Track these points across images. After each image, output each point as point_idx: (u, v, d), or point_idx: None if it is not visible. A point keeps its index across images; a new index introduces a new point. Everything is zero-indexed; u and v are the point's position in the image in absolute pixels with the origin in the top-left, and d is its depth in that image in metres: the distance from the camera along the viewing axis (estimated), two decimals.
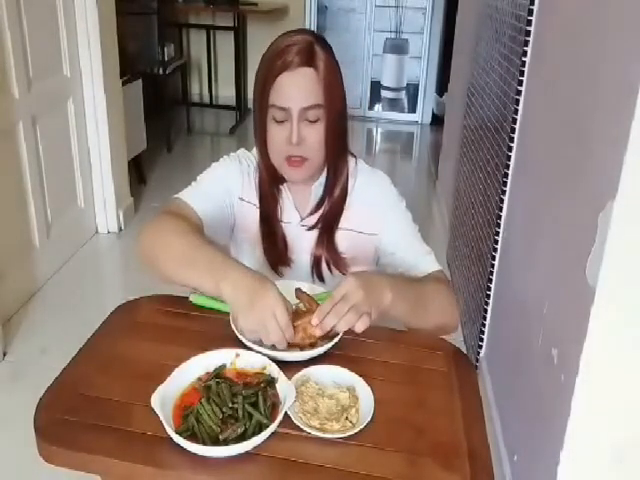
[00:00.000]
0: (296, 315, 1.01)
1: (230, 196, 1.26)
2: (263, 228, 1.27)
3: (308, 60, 1.10)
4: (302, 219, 1.27)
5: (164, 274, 1.07)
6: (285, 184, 1.26)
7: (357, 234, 1.27)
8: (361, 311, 0.97)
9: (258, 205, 1.27)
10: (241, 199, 1.28)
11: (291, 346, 0.99)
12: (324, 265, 1.26)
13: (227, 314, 1.03)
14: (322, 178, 1.25)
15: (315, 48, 1.12)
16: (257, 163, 1.28)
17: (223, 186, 1.25)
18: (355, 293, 0.97)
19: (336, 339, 0.99)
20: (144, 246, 1.11)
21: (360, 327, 0.97)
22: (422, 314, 1.10)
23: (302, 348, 0.99)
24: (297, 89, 1.11)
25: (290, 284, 1.12)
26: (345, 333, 1.00)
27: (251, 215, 1.27)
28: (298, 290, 1.06)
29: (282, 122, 1.13)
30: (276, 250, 1.27)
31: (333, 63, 1.14)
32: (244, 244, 1.31)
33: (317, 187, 1.25)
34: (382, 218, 1.26)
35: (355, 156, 1.29)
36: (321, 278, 1.27)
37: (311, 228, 1.27)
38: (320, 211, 1.26)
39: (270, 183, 1.25)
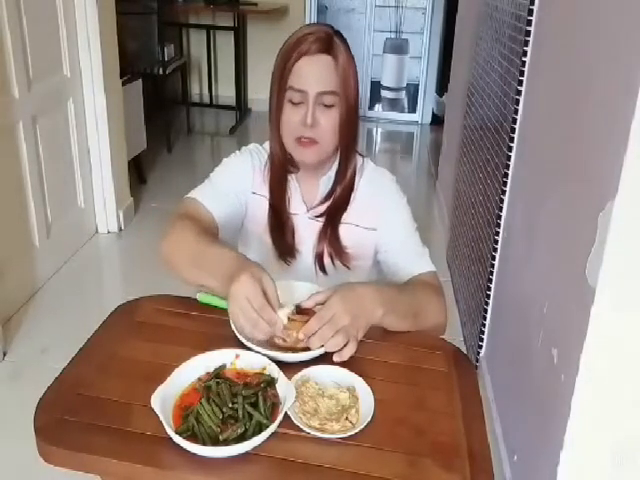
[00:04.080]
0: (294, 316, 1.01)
1: (243, 192, 1.28)
2: (272, 218, 1.28)
3: (327, 48, 1.14)
4: (308, 210, 1.29)
5: (182, 277, 1.10)
6: (294, 175, 1.28)
7: (359, 229, 1.28)
8: (348, 335, 0.97)
9: (268, 197, 1.29)
10: (253, 193, 1.30)
11: (285, 348, 0.99)
12: (327, 258, 1.27)
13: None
14: (331, 172, 1.27)
15: (334, 39, 1.16)
16: (269, 154, 1.29)
17: (236, 183, 1.27)
18: (342, 318, 0.97)
19: None
20: (163, 252, 1.14)
21: (346, 354, 0.97)
22: (411, 322, 1.11)
23: (295, 351, 0.99)
24: (315, 73, 1.15)
25: (291, 285, 1.12)
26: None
27: (262, 207, 1.29)
28: (297, 307, 1.06)
29: (298, 104, 1.16)
30: (284, 240, 1.28)
31: (350, 56, 1.18)
32: (252, 235, 1.33)
33: (326, 181, 1.28)
34: (382, 215, 1.28)
35: (363, 155, 1.32)
36: (324, 271, 1.28)
37: (318, 217, 1.28)
38: (327, 204, 1.28)
39: (280, 171, 1.27)
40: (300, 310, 1.04)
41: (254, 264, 0.99)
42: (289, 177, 1.28)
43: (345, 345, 0.97)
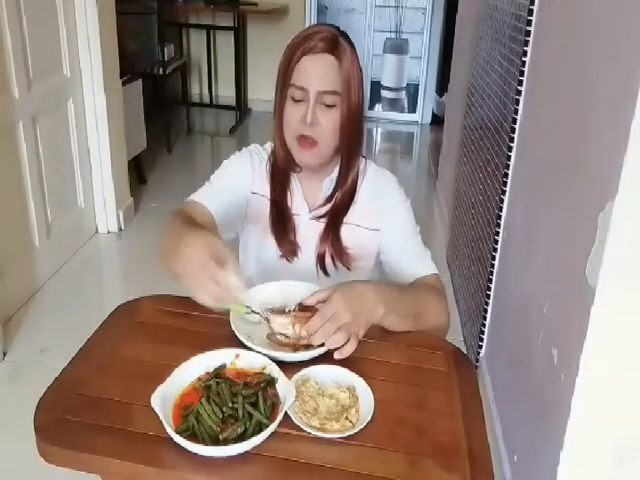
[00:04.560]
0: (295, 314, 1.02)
1: (243, 190, 1.28)
2: (274, 215, 1.28)
3: (331, 48, 1.15)
4: (310, 211, 1.29)
5: (169, 272, 1.08)
6: (296, 175, 1.28)
7: (361, 229, 1.28)
8: (349, 332, 0.97)
9: (269, 197, 1.29)
10: (253, 193, 1.30)
11: (285, 346, 0.99)
12: (329, 259, 1.27)
13: (229, 314, 1.03)
14: (334, 174, 1.27)
15: (339, 40, 1.16)
16: (270, 153, 1.30)
17: (235, 182, 1.28)
18: (343, 315, 0.97)
19: None
20: (160, 252, 1.11)
21: (347, 352, 0.97)
22: (412, 323, 1.11)
23: (296, 349, 0.99)
24: (317, 72, 1.15)
25: (291, 285, 1.12)
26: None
27: (262, 207, 1.29)
28: (299, 305, 1.06)
29: (299, 102, 1.16)
30: (286, 237, 1.28)
31: (355, 59, 1.18)
32: (252, 235, 1.33)
33: (328, 182, 1.28)
34: (385, 216, 1.28)
35: (365, 157, 1.32)
36: (325, 272, 1.28)
37: (319, 218, 1.28)
38: (329, 206, 1.28)
39: (283, 169, 1.27)
40: (302, 308, 1.04)
41: (205, 229, 0.97)
42: (291, 177, 1.29)
43: (346, 343, 0.97)
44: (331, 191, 1.28)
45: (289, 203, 1.29)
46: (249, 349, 0.96)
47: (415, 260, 1.26)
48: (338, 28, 1.19)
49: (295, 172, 1.28)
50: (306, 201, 1.29)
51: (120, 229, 3.22)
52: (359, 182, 1.29)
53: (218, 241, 0.93)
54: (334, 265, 1.28)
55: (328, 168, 1.27)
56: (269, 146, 1.31)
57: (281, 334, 1.01)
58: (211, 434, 0.81)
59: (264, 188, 1.29)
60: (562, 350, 1.27)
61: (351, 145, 1.23)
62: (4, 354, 2.22)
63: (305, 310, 1.03)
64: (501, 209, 1.93)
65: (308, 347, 0.99)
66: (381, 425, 0.87)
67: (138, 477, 0.81)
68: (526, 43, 1.77)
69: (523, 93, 1.81)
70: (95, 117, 2.97)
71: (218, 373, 0.91)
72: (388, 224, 1.28)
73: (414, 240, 1.29)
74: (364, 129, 1.25)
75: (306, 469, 0.80)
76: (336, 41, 1.15)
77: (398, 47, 5.95)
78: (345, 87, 1.16)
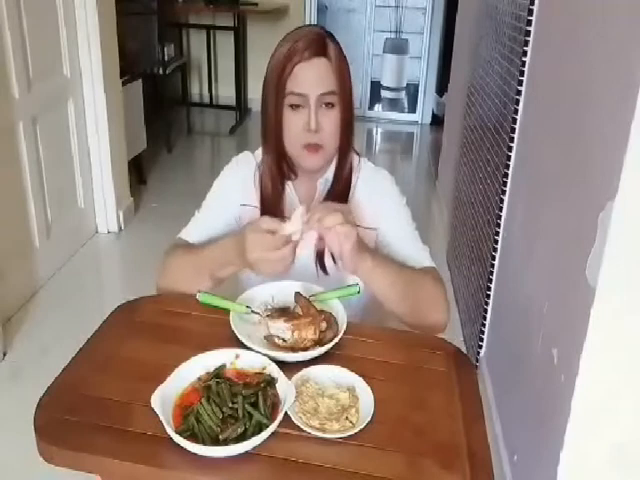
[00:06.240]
0: (293, 317, 1.01)
1: (232, 209, 1.29)
2: None
3: (321, 50, 1.15)
4: (306, 213, 1.28)
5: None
6: (289, 182, 1.27)
7: (359, 229, 1.27)
8: (349, 237, 1.02)
9: (259, 206, 1.28)
10: (243, 205, 1.29)
11: (285, 348, 0.99)
12: (328, 259, 1.27)
13: (229, 313, 1.03)
14: (328, 174, 1.27)
15: (326, 40, 1.17)
16: (260, 162, 1.29)
17: (222, 205, 1.30)
18: (351, 225, 1.03)
19: (331, 343, 0.99)
20: (163, 289, 1.21)
21: (345, 246, 1.02)
22: (409, 299, 1.12)
23: (295, 351, 0.99)
24: (314, 77, 1.15)
25: (287, 285, 1.12)
26: (345, 333, 1.00)
27: (255, 217, 1.27)
28: (297, 294, 1.07)
29: (298, 108, 1.16)
30: None
31: (343, 55, 1.19)
32: None
33: (322, 183, 1.27)
34: (381, 213, 1.28)
35: (358, 153, 1.31)
36: (325, 271, 1.28)
37: None
38: None
39: (276, 180, 1.26)
40: (302, 302, 1.04)
41: (246, 226, 1.07)
42: (285, 185, 1.27)
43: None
44: (325, 191, 1.27)
45: (283, 209, 1.27)
46: (249, 349, 0.96)
47: (414, 254, 1.26)
48: (322, 27, 1.20)
49: (290, 180, 1.27)
50: (301, 205, 1.28)
51: (120, 229, 3.22)
52: (354, 179, 1.28)
53: (257, 221, 1.06)
54: (334, 262, 1.28)
55: (322, 168, 1.26)
56: (260, 152, 1.30)
57: (279, 337, 1.01)
58: (211, 434, 0.81)
59: (253, 198, 1.28)
60: (562, 350, 1.27)
61: (346, 143, 1.24)
62: (4, 354, 2.22)
63: (297, 317, 1.02)
64: (501, 209, 1.93)
65: (306, 350, 0.99)
66: (381, 425, 0.87)
67: (138, 477, 0.81)
68: (526, 43, 1.77)
69: (523, 93, 1.81)
70: (95, 117, 2.97)
71: (218, 373, 0.91)
72: (386, 222, 1.28)
73: (412, 235, 1.28)
74: (354, 122, 1.26)
75: (306, 469, 0.80)
76: (324, 43, 1.15)
77: (398, 47, 5.95)
78: (340, 84, 1.16)
